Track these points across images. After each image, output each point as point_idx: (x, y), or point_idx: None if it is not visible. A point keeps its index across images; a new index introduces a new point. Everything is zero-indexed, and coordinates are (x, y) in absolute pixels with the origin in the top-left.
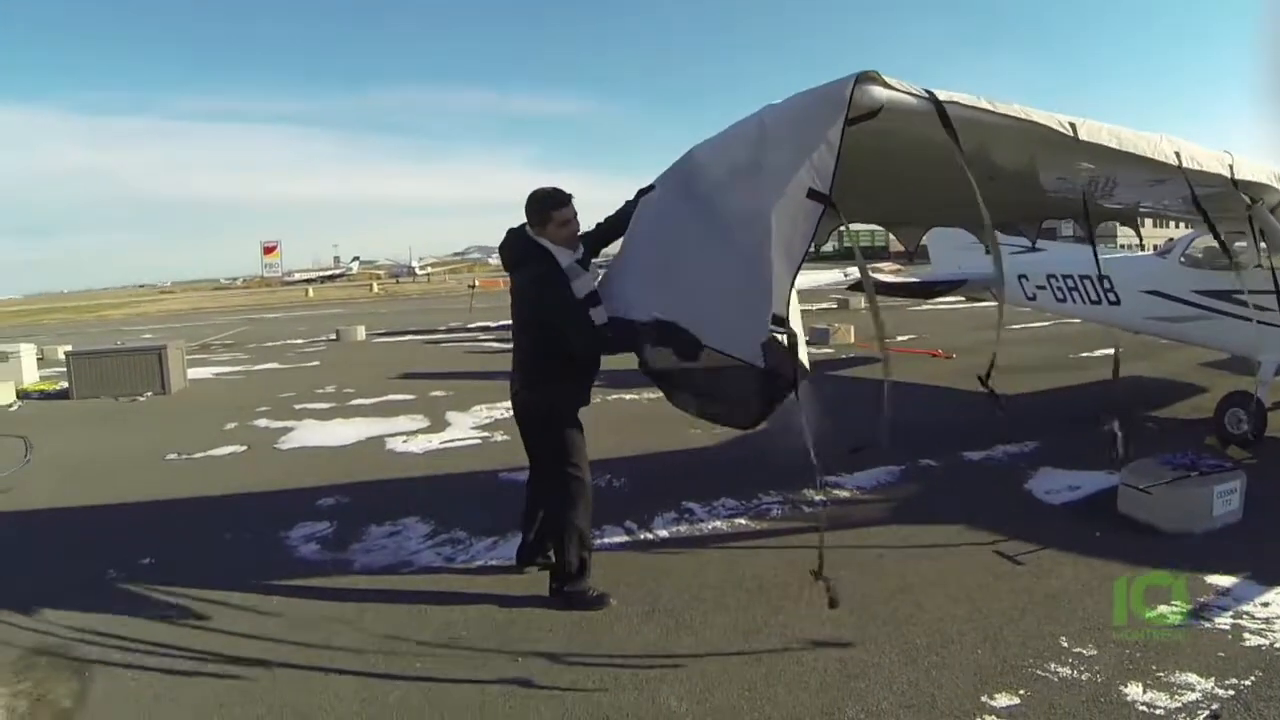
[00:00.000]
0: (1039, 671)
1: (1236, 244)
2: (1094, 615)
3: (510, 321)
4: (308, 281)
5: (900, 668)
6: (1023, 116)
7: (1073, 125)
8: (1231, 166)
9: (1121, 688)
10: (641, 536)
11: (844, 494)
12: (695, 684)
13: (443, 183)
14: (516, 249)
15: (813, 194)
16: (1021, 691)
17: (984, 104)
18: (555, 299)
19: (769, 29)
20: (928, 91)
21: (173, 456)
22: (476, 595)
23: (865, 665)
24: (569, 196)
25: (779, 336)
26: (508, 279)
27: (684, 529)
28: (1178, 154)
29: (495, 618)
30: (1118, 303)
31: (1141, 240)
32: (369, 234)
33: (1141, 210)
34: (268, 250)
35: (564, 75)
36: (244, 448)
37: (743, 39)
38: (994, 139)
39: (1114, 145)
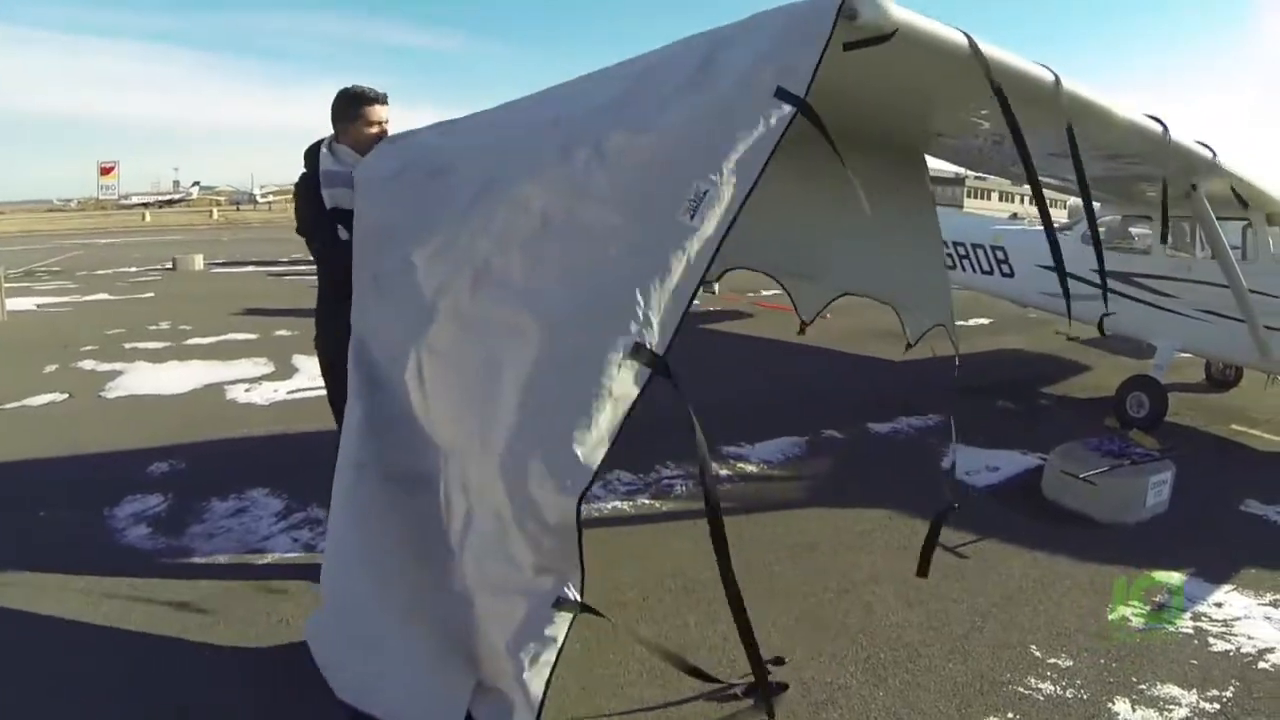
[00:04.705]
0: (1020, 689)
1: (1139, 228)
2: (1056, 618)
3: None
4: (145, 205)
5: (869, 689)
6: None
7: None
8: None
9: (1110, 705)
10: None
11: (751, 468)
12: None
13: (293, 110)
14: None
15: (782, 94)
16: (1010, 715)
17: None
18: (301, 208)
19: None
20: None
21: None
22: None
23: (831, 689)
24: (385, 95)
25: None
26: None
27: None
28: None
29: None
30: (1011, 275)
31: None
32: (212, 159)
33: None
34: (105, 171)
35: (439, 7)
36: (65, 396)
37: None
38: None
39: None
